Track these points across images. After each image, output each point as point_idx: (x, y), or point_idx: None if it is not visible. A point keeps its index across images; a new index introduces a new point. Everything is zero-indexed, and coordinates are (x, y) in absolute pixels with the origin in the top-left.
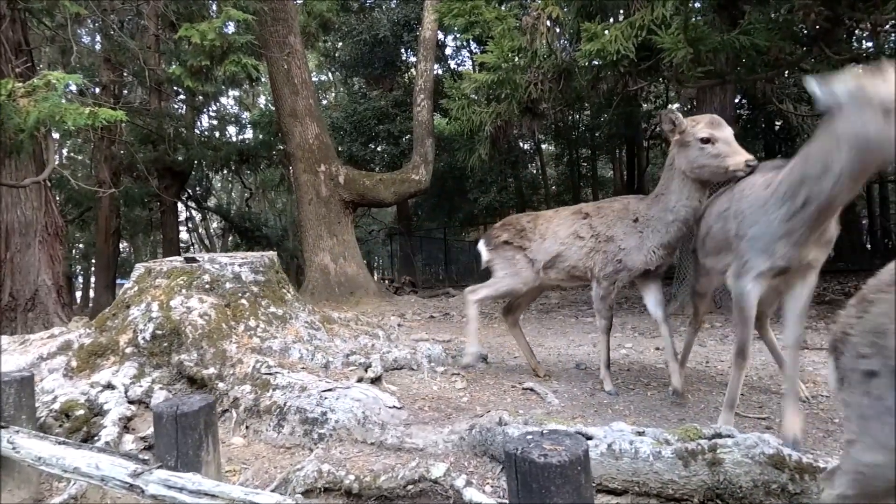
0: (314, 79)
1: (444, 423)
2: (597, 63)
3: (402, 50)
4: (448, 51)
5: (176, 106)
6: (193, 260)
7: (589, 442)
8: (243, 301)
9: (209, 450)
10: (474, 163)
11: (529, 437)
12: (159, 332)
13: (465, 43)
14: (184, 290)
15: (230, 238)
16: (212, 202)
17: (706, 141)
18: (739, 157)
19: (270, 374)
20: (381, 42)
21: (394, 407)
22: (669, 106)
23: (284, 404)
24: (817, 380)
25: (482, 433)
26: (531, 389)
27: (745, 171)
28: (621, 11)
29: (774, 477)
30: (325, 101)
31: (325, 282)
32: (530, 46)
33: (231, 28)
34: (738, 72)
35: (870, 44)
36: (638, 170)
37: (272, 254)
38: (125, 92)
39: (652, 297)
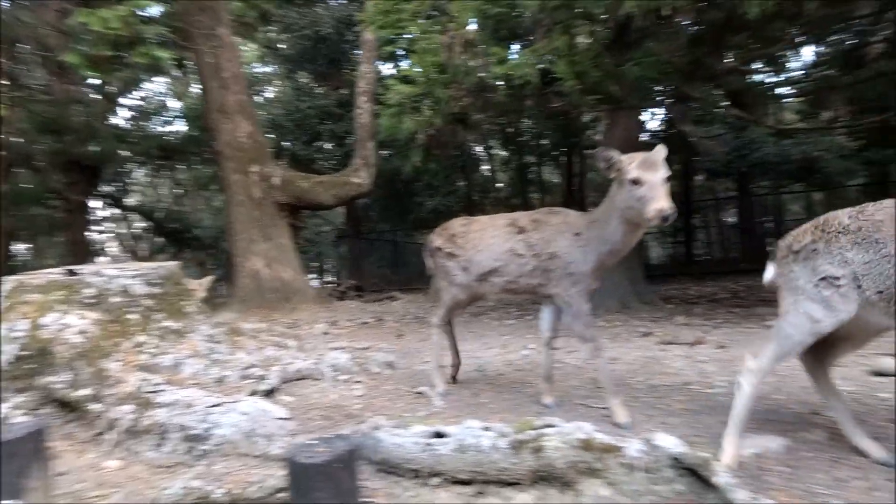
0: (258, 70)
1: (330, 432)
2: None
3: (347, 48)
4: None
5: (87, 91)
6: (73, 273)
7: (442, 439)
8: (133, 316)
9: (35, 477)
10: (410, 169)
11: (310, 442)
12: (24, 353)
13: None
14: (61, 306)
15: (156, 240)
16: (137, 200)
17: (635, 182)
18: (655, 204)
19: (155, 392)
20: (324, 39)
21: (283, 418)
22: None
23: (167, 422)
24: (669, 371)
25: (359, 440)
26: (421, 393)
27: (658, 220)
28: (529, 38)
29: (583, 458)
30: (268, 96)
31: (257, 288)
32: (450, 63)
33: (152, 12)
34: (632, 99)
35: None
36: (581, 176)
37: (173, 264)
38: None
39: (546, 317)
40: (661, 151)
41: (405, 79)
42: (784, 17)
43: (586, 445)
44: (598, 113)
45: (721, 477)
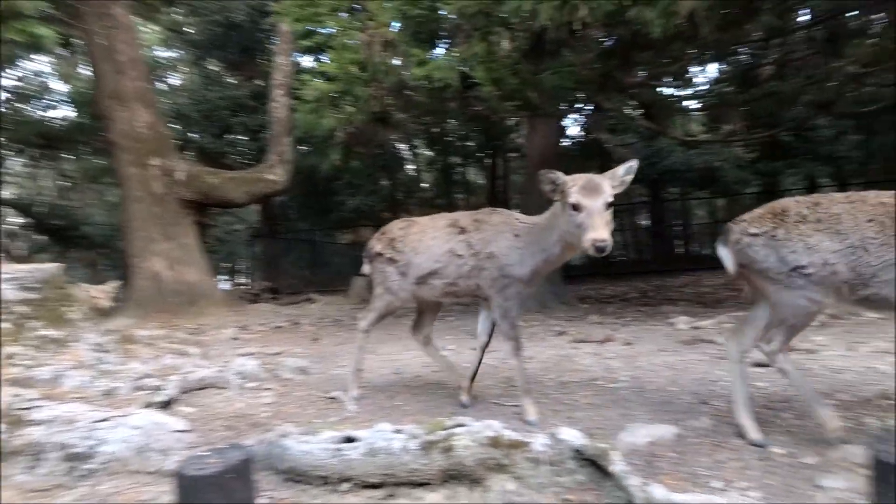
0: (161, 55)
1: (234, 442)
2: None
3: (262, 37)
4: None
5: None
6: None
7: (352, 444)
8: (3, 325)
9: None
10: (329, 167)
11: (201, 453)
12: None
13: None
14: None
15: (36, 238)
16: (13, 193)
17: (575, 208)
18: (592, 234)
19: (29, 408)
20: (237, 26)
21: (181, 431)
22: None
23: (43, 441)
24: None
25: (266, 448)
26: (335, 398)
27: (593, 251)
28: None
29: (492, 454)
30: (173, 83)
31: (158, 291)
32: (369, 62)
33: None
34: (549, 106)
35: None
36: (505, 178)
37: (54, 266)
38: None
39: (484, 320)
40: (615, 172)
41: (323, 75)
42: (683, 39)
43: (495, 443)
44: (519, 118)
45: (617, 465)
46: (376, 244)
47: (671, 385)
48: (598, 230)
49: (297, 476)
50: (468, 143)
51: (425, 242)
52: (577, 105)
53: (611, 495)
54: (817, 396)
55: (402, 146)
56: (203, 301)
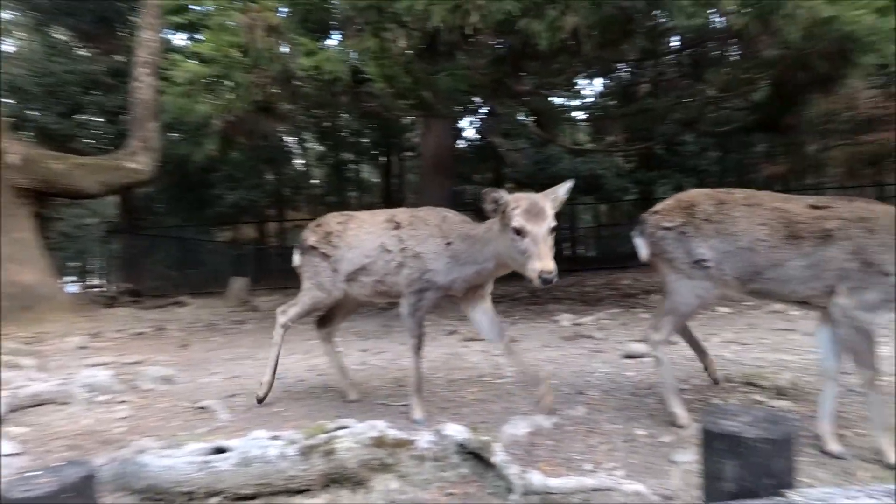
0: None
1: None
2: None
3: (124, 7)
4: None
5: None
6: None
7: (223, 454)
8: None
9: None
10: (203, 157)
11: (32, 473)
12: None
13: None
14: None
15: None
16: None
17: (518, 232)
18: (538, 264)
19: None
20: None
21: (9, 455)
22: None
23: None
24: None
25: (118, 467)
26: (205, 408)
27: (538, 282)
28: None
29: (376, 455)
30: (6, 49)
31: None
32: (251, 47)
33: None
34: (443, 107)
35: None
36: (400, 177)
37: None
38: None
39: (483, 320)
40: (556, 191)
41: (198, 56)
42: (569, 52)
43: (379, 443)
44: (413, 118)
45: (497, 456)
46: (310, 236)
47: (552, 378)
48: (545, 260)
49: (156, 495)
50: (362, 140)
51: (361, 236)
52: (472, 108)
53: (492, 485)
54: (675, 389)
55: (290, 139)
56: (42, 305)
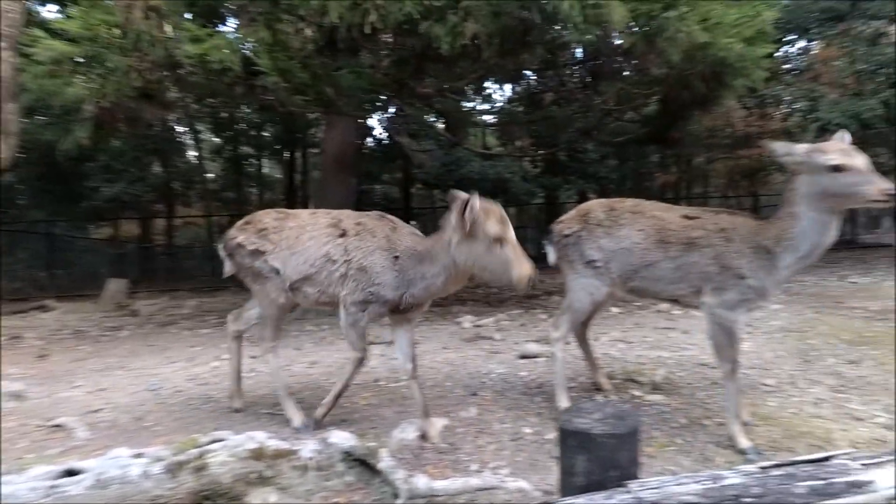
0: None
1: None
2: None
3: None
4: None
5: None
6: None
7: (75, 477)
8: None
9: None
10: (72, 146)
11: None
12: None
13: None
14: None
15: None
16: None
17: (497, 240)
18: (523, 268)
19: None
20: None
21: None
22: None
23: None
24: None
25: None
26: (60, 426)
27: (523, 285)
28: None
29: (254, 467)
30: None
31: None
32: (130, 28)
33: None
34: (346, 105)
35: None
36: (304, 174)
37: None
38: None
39: (402, 342)
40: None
41: (63, 33)
42: (470, 58)
43: (257, 455)
44: (314, 114)
45: (384, 462)
46: (238, 235)
47: (447, 380)
48: (526, 264)
49: None
50: (264, 134)
51: (303, 241)
52: (380, 106)
53: (378, 491)
54: (564, 385)
55: (182, 129)
56: None
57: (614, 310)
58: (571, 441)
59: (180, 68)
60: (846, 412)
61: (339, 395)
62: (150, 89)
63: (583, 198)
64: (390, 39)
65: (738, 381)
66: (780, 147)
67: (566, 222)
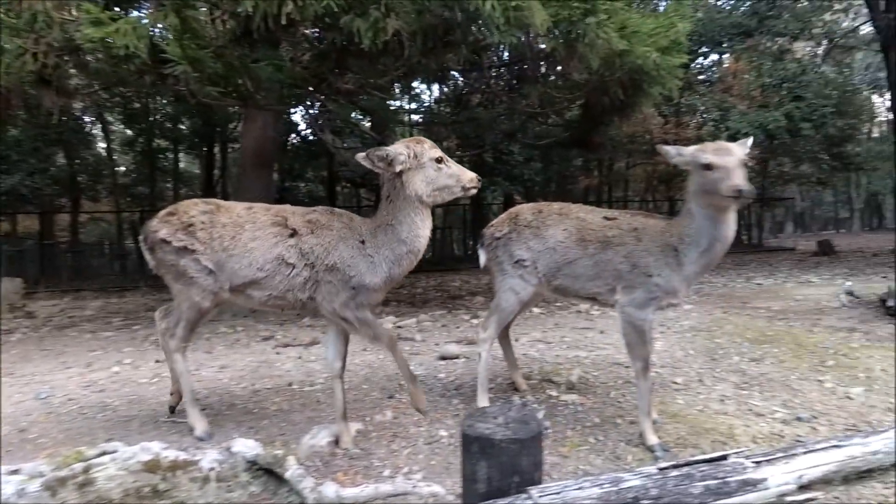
0: None
1: None
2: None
3: None
4: None
5: None
6: None
7: None
8: None
9: None
10: None
11: None
12: None
13: None
14: None
15: None
16: None
17: (439, 160)
18: (468, 174)
19: None
20: None
21: None
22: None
23: None
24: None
25: None
26: None
27: (475, 187)
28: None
29: (147, 481)
30: None
31: None
32: (23, 7)
33: None
34: (264, 98)
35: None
36: (223, 169)
37: None
38: None
39: (336, 341)
40: None
41: None
42: (393, 55)
43: (152, 466)
44: (233, 108)
45: (291, 471)
46: (161, 228)
47: (365, 383)
48: (468, 171)
49: None
50: (180, 127)
51: (243, 241)
52: (299, 101)
53: (285, 501)
54: (486, 386)
55: (89, 119)
56: None
57: (536, 310)
58: (474, 447)
59: (81, 53)
60: (748, 408)
61: (413, 378)
62: (48, 74)
63: (508, 199)
64: (311, 32)
65: (650, 379)
66: (671, 150)
67: (497, 225)
